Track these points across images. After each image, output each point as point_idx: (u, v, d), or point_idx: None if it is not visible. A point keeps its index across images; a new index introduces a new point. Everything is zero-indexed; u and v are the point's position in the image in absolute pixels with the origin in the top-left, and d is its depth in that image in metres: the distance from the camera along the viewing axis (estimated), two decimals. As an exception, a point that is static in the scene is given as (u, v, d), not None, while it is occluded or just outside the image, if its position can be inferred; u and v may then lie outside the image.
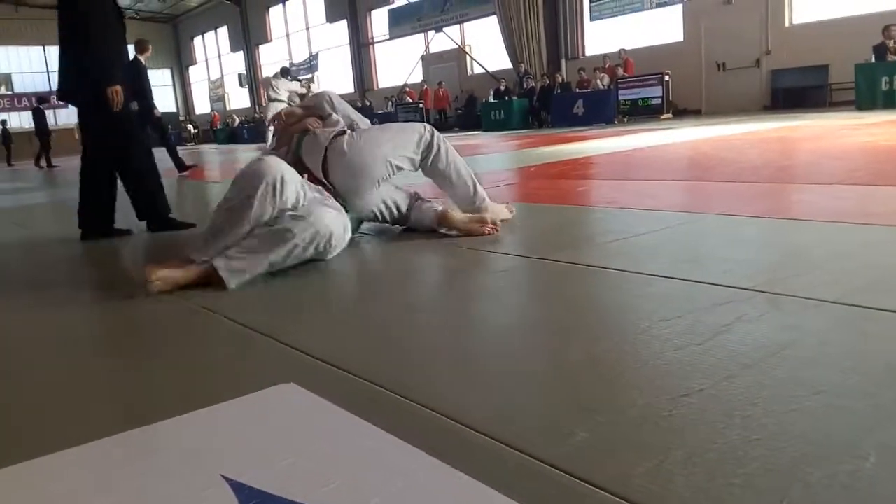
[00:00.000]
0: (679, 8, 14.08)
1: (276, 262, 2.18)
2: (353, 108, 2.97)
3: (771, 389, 1.12)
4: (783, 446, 0.94)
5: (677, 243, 2.33)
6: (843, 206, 2.72)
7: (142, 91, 7.63)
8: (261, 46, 27.12)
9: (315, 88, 9.66)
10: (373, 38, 22.07)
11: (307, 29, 24.50)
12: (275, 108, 9.61)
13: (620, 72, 14.08)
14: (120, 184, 3.65)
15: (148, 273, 2.11)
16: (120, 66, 3.47)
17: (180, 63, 32.89)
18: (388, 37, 21.05)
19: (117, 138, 3.52)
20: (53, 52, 28.99)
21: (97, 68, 3.36)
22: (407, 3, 19.96)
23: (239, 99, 29.21)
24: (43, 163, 15.48)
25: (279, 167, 2.24)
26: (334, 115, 2.81)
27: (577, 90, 14.67)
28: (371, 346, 1.53)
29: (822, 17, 12.17)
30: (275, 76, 11.43)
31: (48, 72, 29.05)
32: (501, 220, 2.80)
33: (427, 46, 20.07)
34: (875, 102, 9.90)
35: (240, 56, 28.24)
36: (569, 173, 5.06)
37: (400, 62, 20.74)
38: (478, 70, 18.78)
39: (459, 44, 19.10)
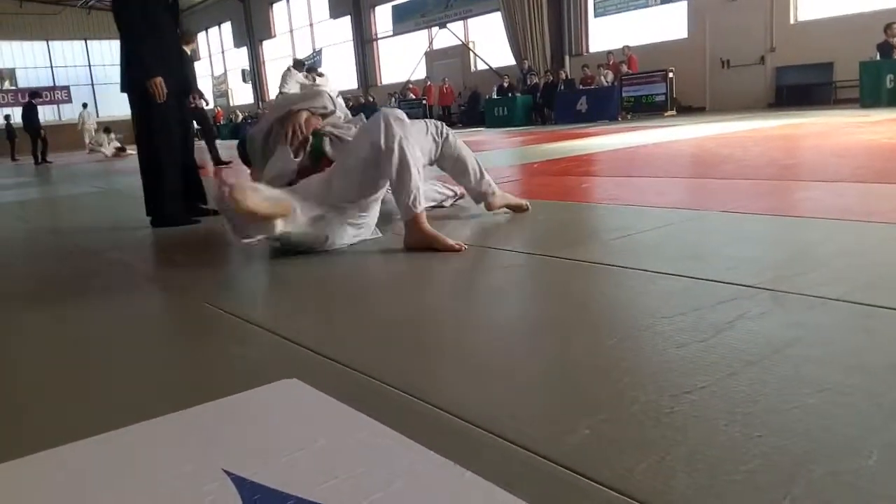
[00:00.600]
0: (684, 5, 14.03)
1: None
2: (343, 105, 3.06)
3: (774, 387, 1.11)
4: (786, 443, 0.94)
5: (681, 240, 2.33)
6: (847, 203, 2.72)
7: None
8: (264, 42, 27.09)
9: (322, 81, 9.57)
10: (376, 34, 22.04)
11: (311, 25, 24.47)
12: None
13: (624, 68, 14.04)
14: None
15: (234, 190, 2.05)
16: (157, 58, 3.50)
17: (184, 58, 32.82)
18: (391, 33, 21.02)
19: (142, 131, 3.63)
20: (57, 47, 29.14)
21: (129, 62, 3.52)
22: (410, -1, 19.94)
23: (242, 95, 29.20)
24: (41, 158, 15.43)
25: None
26: (337, 112, 2.81)
27: (581, 87, 14.64)
28: (375, 342, 1.53)
29: (827, 15, 12.12)
30: (288, 69, 11.34)
31: (52, 67, 29.11)
32: (509, 206, 3.02)
33: (431, 43, 20.04)
34: (879, 100, 9.87)
35: (243, 52, 28.21)
36: (572, 170, 5.05)
37: (403, 58, 20.72)
38: (481, 66, 18.76)
39: (463, 40, 19.07)
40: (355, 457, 0.99)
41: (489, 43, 18.39)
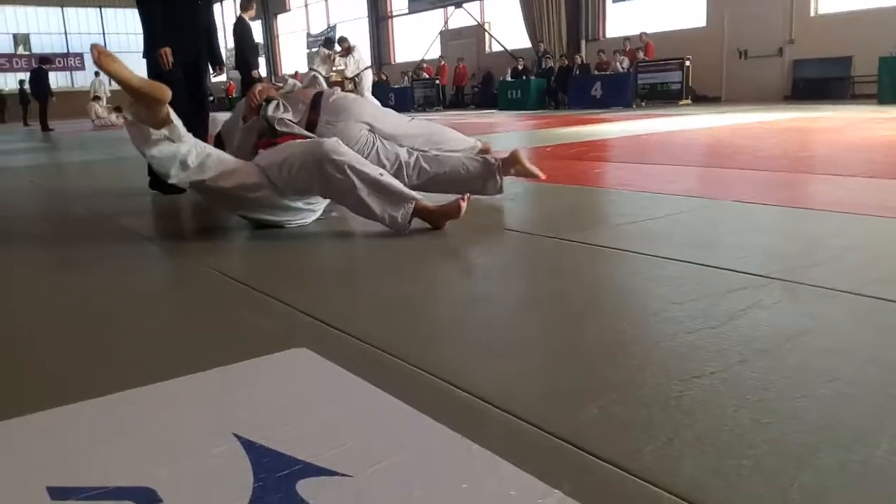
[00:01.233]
0: (703, -8, 13.87)
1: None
2: None
3: (784, 375, 1.11)
4: (794, 431, 0.94)
5: (693, 228, 2.32)
6: (862, 198, 2.70)
7: (242, 52, 7.57)
8: (279, 16, 26.94)
9: (341, 61, 9.46)
10: (391, 11, 21.87)
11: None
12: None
13: (641, 55, 13.90)
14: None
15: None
16: (167, 28, 3.57)
17: (198, 30, 32.68)
18: (406, 11, 20.86)
19: None
20: (71, 13, 29.00)
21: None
22: (427, -23, 19.76)
23: (255, 69, 29.07)
24: (31, 122, 15.34)
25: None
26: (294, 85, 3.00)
27: (596, 72, 14.51)
28: (384, 316, 1.54)
29: (847, 8, 11.95)
30: (318, 48, 11.21)
31: (66, 33, 29.00)
32: (523, 171, 2.91)
33: (446, 22, 19.88)
34: (898, 96, 9.75)
35: (258, 25, 28.06)
36: (585, 155, 5.03)
37: (418, 37, 20.56)
38: (496, 48, 18.61)
39: (479, 21, 18.90)
40: (363, 426, 0.99)
41: (505, 24, 18.23)
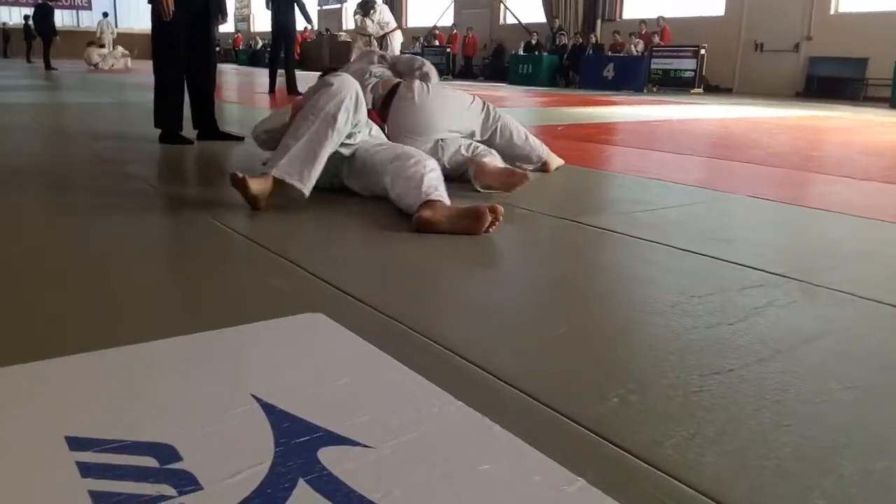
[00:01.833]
0: (725, -20, 13.67)
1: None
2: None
3: (802, 378, 1.11)
4: (815, 436, 0.93)
5: (707, 220, 2.31)
6: (877, 202, 2.68)
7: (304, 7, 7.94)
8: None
9: (364, 23, 9.22)
10: (406, -27, 21.54)
11: (341, -45, 23.88)
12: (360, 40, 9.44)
13: (656, 39, 13.73)
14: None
15: (247, 186, 2.07)
16: None
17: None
18: (422, -26, 20.53)
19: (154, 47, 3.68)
20: (80, -52, 28.43)
21: None
22: (446, -59, 19.39)
23: (263, 21, 28.60)
24: (33, 59, 15.11)
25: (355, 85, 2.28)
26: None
27: (610, 53, 14.36)
28: (402, 288, 1.53)
29: (868, 9, 11.81)
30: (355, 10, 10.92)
31: (74, -30, 28.44)
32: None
33: (461, -11, 19.59)
34: (912, 103, 9.68)
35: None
36: (597, 137, 4.99)
37: (432, 2, 20.25)
38: (510, 20, 18.36)
39: (495, -9, 18.64)
40: (382, 397, 0.99)
41: (521, -3, 17.97)
